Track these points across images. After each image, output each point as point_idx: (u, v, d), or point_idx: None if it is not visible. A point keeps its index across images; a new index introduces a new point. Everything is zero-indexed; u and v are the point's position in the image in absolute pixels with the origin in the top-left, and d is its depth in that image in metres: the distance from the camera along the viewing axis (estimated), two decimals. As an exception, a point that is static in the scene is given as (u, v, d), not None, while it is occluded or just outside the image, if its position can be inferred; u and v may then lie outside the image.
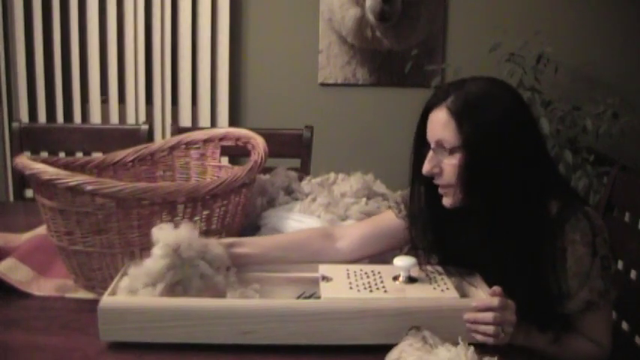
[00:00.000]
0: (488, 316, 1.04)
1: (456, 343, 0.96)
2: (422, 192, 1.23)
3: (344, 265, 1.22)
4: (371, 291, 1.10)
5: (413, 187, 1.24)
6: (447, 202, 1.18)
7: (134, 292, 1.07)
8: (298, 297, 1.18)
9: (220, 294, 1.11)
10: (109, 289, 1.09)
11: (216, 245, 1.15)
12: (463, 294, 1.16)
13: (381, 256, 1.32)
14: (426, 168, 1.16)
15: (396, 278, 1.15)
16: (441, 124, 1.14)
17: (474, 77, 1.19)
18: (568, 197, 1.19)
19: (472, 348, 0.95)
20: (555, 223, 1.15)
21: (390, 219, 1.32)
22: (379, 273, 1.18)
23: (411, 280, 1.15)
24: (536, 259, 1.15)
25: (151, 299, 1.08)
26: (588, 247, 1.13)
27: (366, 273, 1.18)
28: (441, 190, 1.18)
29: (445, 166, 1.15)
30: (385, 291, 1.11)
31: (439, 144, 1.14)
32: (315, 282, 1.17)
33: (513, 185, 1.13)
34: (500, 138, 1.11)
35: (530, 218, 1.14)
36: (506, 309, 1.05)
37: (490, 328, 1.04)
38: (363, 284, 1.13)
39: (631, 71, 2.92)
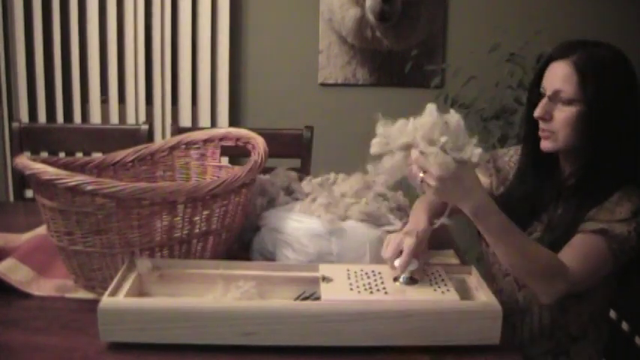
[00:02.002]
0: (414, 153, 1.10)
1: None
2: (528, 133, 1.35)
3: (344, 266, 1.22)
4: (371, 292, 1.10)
5: (524, 127, 1.37)
6: (545, 144, 1.28)
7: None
8: (298, 297, 1.18)
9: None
10: (110, 289, 1.08)
11: None
12: (464, 295, 1.16)
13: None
14: (538, 112, 1.25)
15: (396, 279, 1.15)
16: (563, 76, 1.22)
17: (597, 41, 1.27)
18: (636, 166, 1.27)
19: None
20: (622, 181, 1.24)
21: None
22: (380, 274, 1.18)
23: (412, 281, 1.15)
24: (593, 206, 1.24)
25: (152, 300, 1.08)
26: (633, 205, 1.20)
27: (366, 273, 1.18)
28: (542, 134, 1.28)
29: (557, 114, 1.24)
30: (386, 292, 1.11)
31: (556, 93, 1.23)
32: (315, 282, 1.16)
33: (616, 143, 1.22)
34: (617, 100, 1.21)
35: (614, 173, 1.24)
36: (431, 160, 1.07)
37: (412, 167, 1.10)
38: (364, 285, 1.13)
39: (631, 71, 2.92)
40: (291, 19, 2.97)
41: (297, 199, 1.56)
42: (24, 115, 2.90)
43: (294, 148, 2.10)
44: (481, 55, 2.64)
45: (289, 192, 1.60)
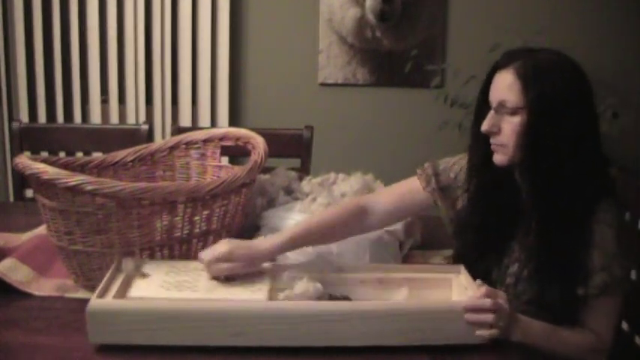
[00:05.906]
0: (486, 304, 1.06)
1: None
2: (476, 149, 1.27)
3: (169, 262, 1.23)
4: (180, 290, 1.12)
5: (472, 143, 1.29)
6: (497, 158, 1.21)
7: None
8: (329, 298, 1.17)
9: None
10: (98, 291, 1.08)
11: None
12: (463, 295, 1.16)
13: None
14: (485, 126, 1.20)
15: (216, 277, 1.17)
16: (505, 85, 1.17)
17: (543, 48, 1.23)
18: (605, 180, 1.22)
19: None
20: (591, 200, 1.18)
21: (416, 191, 1.36)
22: (202, 272, 1.19)
23: (228, 280, 1.16)
24: (567, 231, 1.17)
25: (140, 301, 1.07)
26: (615, 231, 1.17)
27: (188, 272, 1.19)
28: (494, 147, 1.21)
29: (504, 126, 1.18)
30: (195, 290, 1.12)
31: (501, 104, 1.18)
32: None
33: (566, 153, 1.16)
34: (563, 105, 1.15)
35: (573, 188, 1.17)
36: (497, 300, 1.07)
37: (489, 317, 1.05)
38: (178, 282, 1.14)
39: (630, 71, 2.91)
40: (291, 19, 2.97)
41: (297, 199, 1.57)
42: (24, 115, 2.90)
43: (294, 148, 2.10)
44: (481, 55, 2.63)
45: (289, 192, 1.60)
